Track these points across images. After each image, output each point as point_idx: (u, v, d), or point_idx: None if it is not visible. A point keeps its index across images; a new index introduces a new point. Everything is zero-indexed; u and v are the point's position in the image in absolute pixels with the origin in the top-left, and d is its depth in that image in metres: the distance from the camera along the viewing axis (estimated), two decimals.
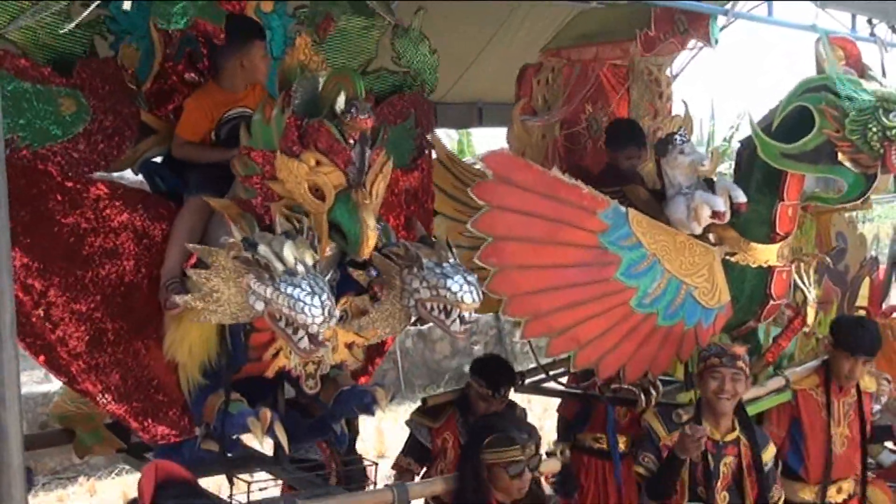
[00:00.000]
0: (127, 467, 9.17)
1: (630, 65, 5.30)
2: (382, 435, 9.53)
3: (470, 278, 3.22)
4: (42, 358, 3.33)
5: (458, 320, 3.21)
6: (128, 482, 8.81)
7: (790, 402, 4.88)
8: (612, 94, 5.27)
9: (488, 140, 8.31)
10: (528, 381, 5.44)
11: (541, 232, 3.89)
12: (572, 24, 5.40)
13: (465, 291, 3.16)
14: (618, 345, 4.18)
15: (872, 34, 4.92)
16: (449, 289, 3.17)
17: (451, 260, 3.28)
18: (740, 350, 4.28)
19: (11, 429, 2.31)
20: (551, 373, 5.42)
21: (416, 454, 4.97)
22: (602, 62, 5.20)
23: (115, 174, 3.72)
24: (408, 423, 5.14)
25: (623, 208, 4.12)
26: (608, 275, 4.07)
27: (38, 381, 10.52)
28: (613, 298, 4.11)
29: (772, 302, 4.58)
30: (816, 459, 4.86)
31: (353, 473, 4.65)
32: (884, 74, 4.75)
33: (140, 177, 3.88)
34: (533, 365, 5.57)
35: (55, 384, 10.29)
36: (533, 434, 3.75)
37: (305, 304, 2.87)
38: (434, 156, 4.40)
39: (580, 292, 4.04)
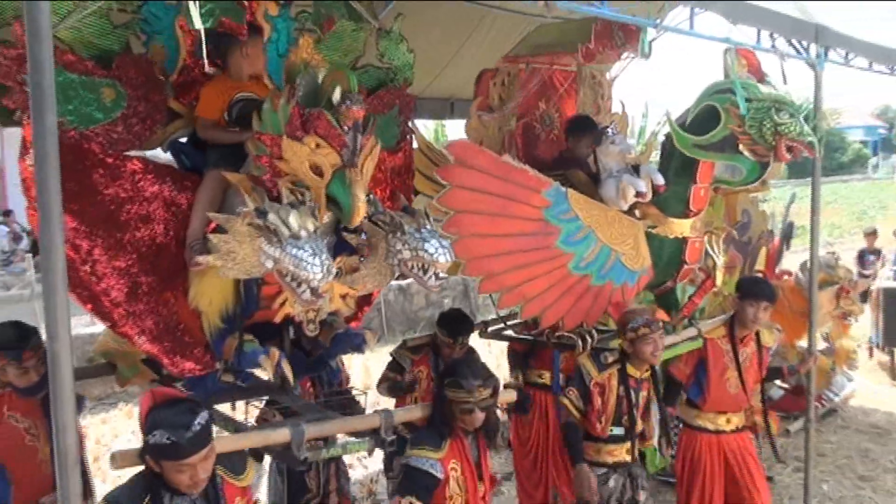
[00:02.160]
0: None
1: (578, 70, 5.26)
2: (369, 371, 9.56)
3: (444, 242, 3.24)
4: (89, 306, 3.31)
5: (433, 276, 3.23)
6: None
7: (700, 348, 4.92)
8: (562, 95, 5.24)
9: (459, 130, 8.33)
10: (490, 328, 5.49)
11: (494, 207, 3.88)
12: (531, 36, 5.37)
13: (439, 253, 3.19)
14: (558, 300, 4.19)
15: (773, 46, 4.90)
16: (426, 250, 3.19)
17: (428, 226, 3.29)
18: (661, 314, 4.49)
19: (63, 360, 2.33)
20: (508, 322, 5.46)
21: (398, 371, 5.07)
22: (553, 68, 5.17)
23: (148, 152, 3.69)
24: (392, 353, 5.19)
25: (563, 188, 4.13)
26: (550, 243, 4.08)
27: (85, 325, 10.49)
28: (554, 262, 4.12)
29: (686, 266, 4.62)
30: (713, 394, 4.90)
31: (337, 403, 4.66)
32: (784, 81, 4.76)
33: (168, 154, 3.84)
34: (493, 316, 5.59)
35: (99, 327, 10.28)
36: (488, 380, 3.63)
37: (308, 262, 2.90)
38: (415, 144, 4.38)
39: (526, 257, 4.04)
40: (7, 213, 16.94)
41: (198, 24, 2.78)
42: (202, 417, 2.71)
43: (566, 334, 4.60)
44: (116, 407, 9.30)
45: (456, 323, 4.95)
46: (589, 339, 4.63)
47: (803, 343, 6.65)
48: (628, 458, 4.41)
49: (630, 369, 4.35)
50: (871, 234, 12.93)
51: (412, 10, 4.25)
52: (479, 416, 3.60)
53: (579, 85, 5.36)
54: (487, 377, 3.65)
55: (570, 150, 4.97)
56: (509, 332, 5.48)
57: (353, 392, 4.49)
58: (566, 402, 4.37)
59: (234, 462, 2.96)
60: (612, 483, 4.36)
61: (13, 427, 3.74)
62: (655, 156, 5.22)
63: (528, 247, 4.04)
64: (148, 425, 2.70)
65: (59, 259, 2.33)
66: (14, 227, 16.64)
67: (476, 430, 3.71)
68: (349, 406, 4.54)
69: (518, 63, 5.15)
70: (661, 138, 5.02)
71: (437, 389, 3.77)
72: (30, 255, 13.61)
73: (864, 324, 9.96)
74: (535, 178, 4.02)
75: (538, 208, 4.02)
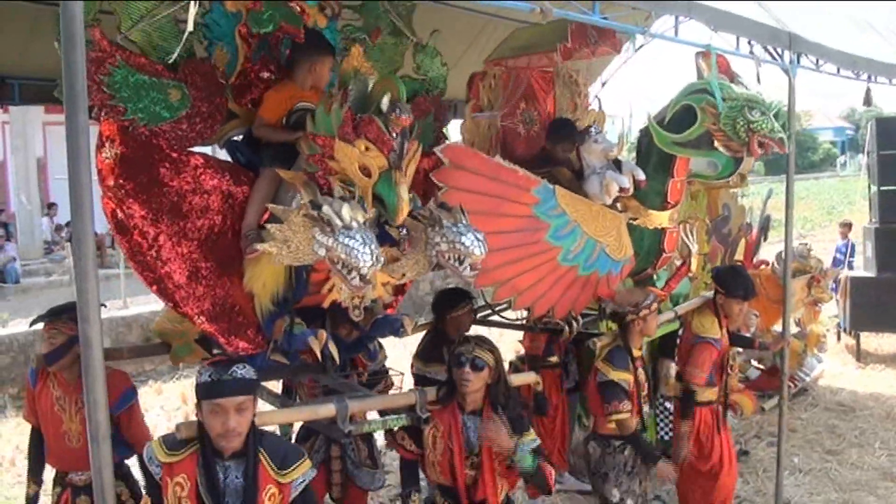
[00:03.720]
0: (185, 374, 9.23)
1: (555, 70, 5.16)
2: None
3: (479, 235, 3.22)
4: (154, 287, 3.35)
5: (468, 267, 3.22)
6: (185, 385, 8.84)
7: (718, 351, 4.84)
8: (541, 94, 5.11)
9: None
10: (478, 315, 5.40)
11: (486, 206, 3.80)
12: (509, 38, 5.28)
13: (475, 245, 3.18)
14: (548, 291, 4.12)
15: (751, 52, 4.86)
16: (462, 243, 3.18)
17: (464, 221, 3.27)
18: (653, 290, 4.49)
19: (94, 341, 2.34)
20: (496, 309, 5.45)
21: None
22: (532, 69, 5.06)
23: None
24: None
25: (551, 185, 4.05)
26: (539, 238, 4.01)
27: (119, 308, 10.52)
28: (544, 256, 4.05)
29: (664, 255, 4.55)
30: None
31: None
32: (759, 82, 4.72)
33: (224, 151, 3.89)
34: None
35: (132, 310, 10.30)
36: (490, 348, 3.58)
37: (359, 251, 2.92)
38: None
39: (518, 252, 3.97)
40: (51, 205, 16.98)
41: (191, 27, 2.74)
42: (246, 371, 2.78)
43: (553, 320, 4.55)
44: (147, 384, 9.36)
45: (459, 293, 4.95)
46: (575, 325, 4.60)
47: (778, 327, 6.64)
48: (636, 428, 4.41)
49: (635, 352, 4.34)
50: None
51: (419, 20, 4.22)
52: (468, 372, 3.47)
53: (556, 84, 5.25)
54: (491, 346, 3.63)
55: (546, 150, 4.88)
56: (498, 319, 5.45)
57: (391, 373, 4.46)
58: (622, 416, 4.19)
59: (283, 457, 2.89)
60: (626, 452, 4.36)
61: (50, 392, 3.86)
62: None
63: (519, 242, 3.97)
64: (200, 373, 2.79)
65: (90, 247, 2.32)
66: (55, 220, 16.71)
67: (482, 411, 3.56)
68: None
69: (500, 65, 5.08)
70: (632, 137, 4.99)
71: (449, 361, 3.71)
72: (69, 243, 13.68)
73: (833, 309, 9.96)
74: (524, 176, 3.94)
75: (528, 205, 3.94)
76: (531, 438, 3.55)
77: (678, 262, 4.92)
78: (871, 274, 9.54)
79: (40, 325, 3.86)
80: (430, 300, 5.17)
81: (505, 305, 5.18)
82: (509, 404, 3.58)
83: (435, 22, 4.40)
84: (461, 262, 3.21)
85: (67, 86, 2.24)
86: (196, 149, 3.51)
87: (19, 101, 5.37)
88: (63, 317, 3.74)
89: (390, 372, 4.38)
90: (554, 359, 5.48)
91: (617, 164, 4.34)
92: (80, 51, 2.24)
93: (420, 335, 5.15)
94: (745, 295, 4.84)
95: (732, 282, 4.87)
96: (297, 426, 4.61)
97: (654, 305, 4.32)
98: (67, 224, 15.33)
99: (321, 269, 3.33)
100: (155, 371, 9.42)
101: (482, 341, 3.65)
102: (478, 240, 3.18)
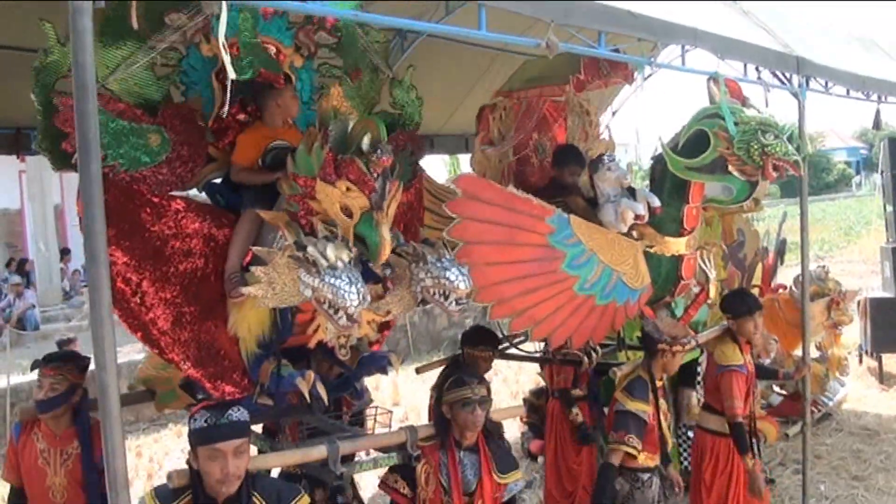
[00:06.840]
0: None
1: (566, 100, 5.15)
2: (397, 387, 9.54)
3: (464, 270, 3.21)
4: (139, 335, 3.28)
5: (454, 302, 3.21)
6: None
7: (746, 377, 4.75)
8: (553, 124, 5.11)
9: None
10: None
11: (502, 235, 3.77)
12: (520, 70, 5.28)
13: (459, 280, 3.17)
14: (565, 321, 4.04)
15: (759, 78, 4.86)
16: (447, 278, 3.17)
17: (448, 256, 3.27)
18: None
19: (111, 387, 2.32)
20: (515, 342, 5.38)
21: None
22: (544, 100, 5.03)
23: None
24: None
25: (566, 214, 4.01)
26: (556, 267, 3.95)
27: (137, 352, 10.52)
28: (561, 285, 3.98)
29: (682, 282, 4.47)
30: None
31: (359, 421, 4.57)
32: (767, 106, 4.71)
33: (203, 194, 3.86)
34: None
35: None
36: (482, 380, 3.69)
37: (346, 291, 2.90)
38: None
39: (534, 281, 3.91)
40: (65, 251, 17.11)
41: (233, 74, 2.76)
42: (240, 413, 2.76)
43: (572, 351, 4.51)
44: (167, 427, 9.36)
45: (488, 335, 4.86)
46: (595, 355, 4.55)
47: (798, 352, 6.56)
48: (659, 460, 4.35)
49: (657, 382, 4.30)
50: None
51: (429, 55, 4.23)
52: (480, 414, 3.54)
53: (568, 114, 5.24)
54: (481, 378, 3.70)
55: (554, 177, 4.83)
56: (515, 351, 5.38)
57: (378, 410, 4.41)
58: (624, 448, 4.13)
59: (277, 497, 2.85)
60: (654, 486, 4.28)
61: (34, 445, 3.77)
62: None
63: (536, 272, 3.91)
64: (193, 418, 2.75)
65: (106, 293, 2.32)
66: (68, 267, 16.87)
67: (478, 445, 3.61)
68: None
69: (511, 97, 5.07)
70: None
71: (437, 399, 3.74)
72: (86, 288, 13.73)
73: (854, 332, 9.81)
74: (538, 206, 3.91)
75: (543, 235, 3.90)
76: (517, 479, 3.65)
77: (696, 290, 4.87)
78: (891, 294, 9.44)
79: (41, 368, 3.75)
80: (448, 335, 5.12)
81: (523, 338, 5.14)
82: (497, 433, 3.67)
83: (442, 58, 4.42)
84: (446, 298, 3.21)
85: (80, 135, 2.25)
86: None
87: (37, 151, 5.41)
88: (70, 363, 3.70)
89: (378, 409, 4.33)
90: (578, 392, 5.42)
91: (631, 192, 4.31)
92: (92, 99, 2.25)
93: (411, 367, 5.14)
94: (749, 309, 4.78)
95: (736, 303, 4.87)
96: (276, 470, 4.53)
97: (689, 346, 4.30)
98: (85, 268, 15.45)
99: (307, 310, 3.31)
100: (174, 414, 9.37)
101: (475, 377, 3.70)
102: (462, 274, 3.18)
